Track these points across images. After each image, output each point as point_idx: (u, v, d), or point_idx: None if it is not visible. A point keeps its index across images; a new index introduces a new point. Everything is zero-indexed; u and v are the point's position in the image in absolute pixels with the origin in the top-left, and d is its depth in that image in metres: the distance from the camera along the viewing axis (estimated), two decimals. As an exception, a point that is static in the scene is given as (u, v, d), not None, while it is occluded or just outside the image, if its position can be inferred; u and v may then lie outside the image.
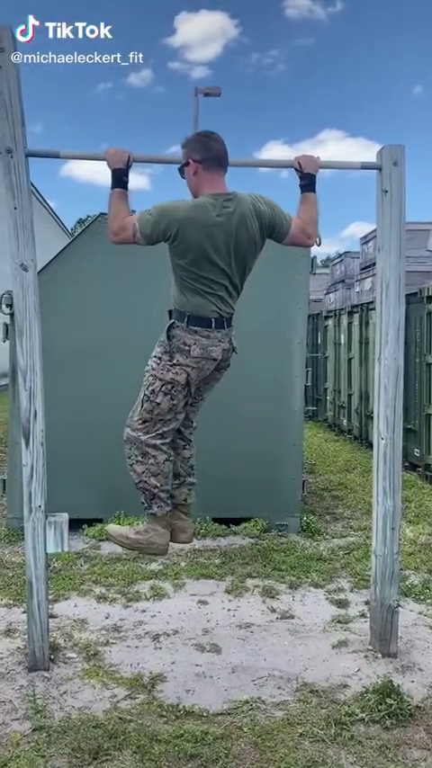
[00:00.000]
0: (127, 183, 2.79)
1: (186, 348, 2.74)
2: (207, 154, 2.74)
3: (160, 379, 2.78)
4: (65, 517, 2.92)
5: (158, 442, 2.85)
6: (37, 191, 28.10)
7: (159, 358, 2.80)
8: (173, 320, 2.77)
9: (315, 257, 5.13)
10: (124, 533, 3.00)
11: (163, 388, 2.78)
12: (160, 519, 2.93)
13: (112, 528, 3.12)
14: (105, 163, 2.82)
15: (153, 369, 2.81)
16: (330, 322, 10.98)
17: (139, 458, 2.86)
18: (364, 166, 3.13)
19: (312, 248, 5.16)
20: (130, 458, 2.90)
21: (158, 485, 2.87)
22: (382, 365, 3.14)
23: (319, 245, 5.25)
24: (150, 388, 2.81)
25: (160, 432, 2.85)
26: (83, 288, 4.97)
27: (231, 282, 2.78)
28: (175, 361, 2.76)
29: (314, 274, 5.15)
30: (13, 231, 2.84)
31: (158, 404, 2.80)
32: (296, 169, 2.93)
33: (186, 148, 2.78)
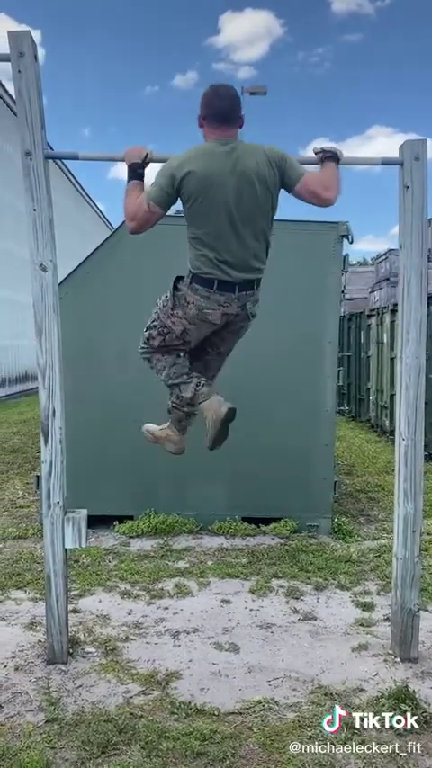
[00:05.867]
0: (143, 176, 2.81)
1: (185, 304, 2.82)
2: (208, 111, 2.71)
3: (160, 320, 2.93)
4: (83, 513, 2.97)
5: (159, 355, 3.01)
6: (86, 193, 28.62)
7: (165, 302, 2.91)
8: (183, 275, 2.83)
9: (347, 255, 5.07)
10: (152, 430, 3.24)
11: (160, 329, 2.94)
12: (178, 426, 3.12)
13: (147, 426, 3.30)
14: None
15: (159, 307, 2.94)
16: (373, 321, 10.80)
17: (155, 368, 3.04)
18: (385, 162, 3.07)
19: (349, 246, 5.09)
20: (156, 372, 3.06)
21: (177, 372, 2.99)
22: (404, 364, 3.07)
23: (351, 242, 5.17)
24: (152, 323, 2.97)
25: (161, 351, 3.01)
26: (115, 287, 5.02)
27: (238, 234, 2.69)
28: (175, 312, 2.87)
29: (346, 272, 5.07)
30: (32, 233, 2.89)
31: (152, 338, 2.97)
32: (316, 153, 2.87)
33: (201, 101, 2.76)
